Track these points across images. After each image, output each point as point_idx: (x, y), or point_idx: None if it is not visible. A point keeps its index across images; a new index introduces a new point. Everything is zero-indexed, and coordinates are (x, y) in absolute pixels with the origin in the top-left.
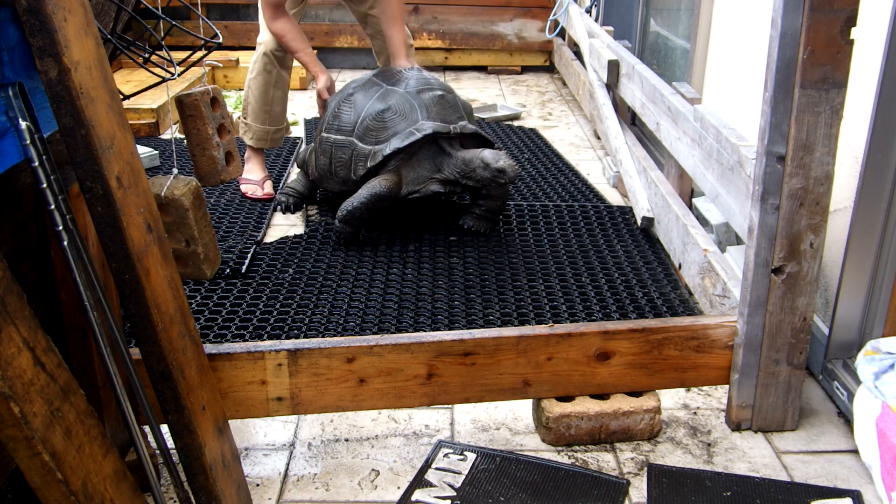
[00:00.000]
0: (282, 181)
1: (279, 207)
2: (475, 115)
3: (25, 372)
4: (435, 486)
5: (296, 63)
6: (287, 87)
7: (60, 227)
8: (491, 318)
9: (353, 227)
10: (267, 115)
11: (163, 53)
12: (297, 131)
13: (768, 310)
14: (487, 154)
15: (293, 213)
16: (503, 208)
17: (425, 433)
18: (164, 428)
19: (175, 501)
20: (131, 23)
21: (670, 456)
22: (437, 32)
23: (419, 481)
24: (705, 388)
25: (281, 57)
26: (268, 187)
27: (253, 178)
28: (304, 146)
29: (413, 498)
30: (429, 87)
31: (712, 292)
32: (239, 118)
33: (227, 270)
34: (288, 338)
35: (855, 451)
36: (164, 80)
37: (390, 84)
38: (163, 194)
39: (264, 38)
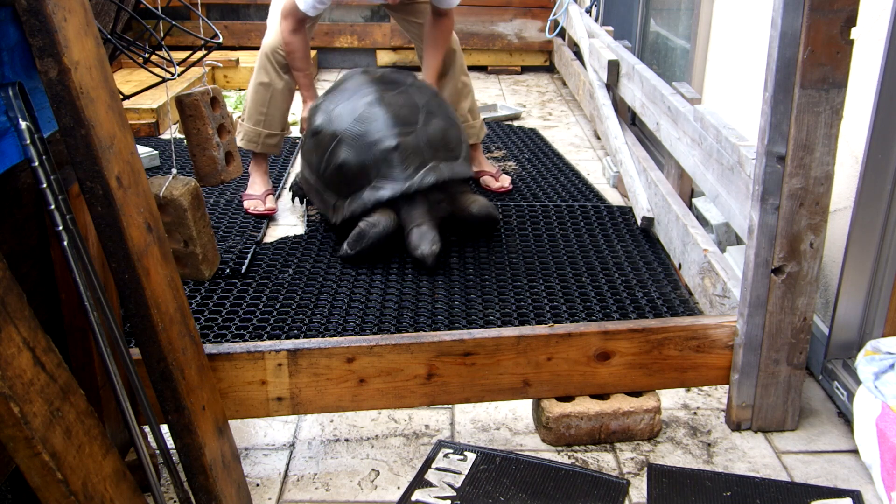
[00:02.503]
0: (281, 181)
1: (291, 196)
2: None
3: (25, 372)
4: (435, 486)
5: None
6: (290, 93)
7: (60, 227)
8: (491, 318)
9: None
10: (262, 117)
11: (163, 53)
12: (296, 130)
13: (768, 310)
14: (413, 236)
15: (304, 198)
16: (495, 223)
17: (425, 433)
18: (164, 428)
19: (175, 501)
20: (131, 23)
21: (670, 456)
22: None
23: (419, 481)
24: (705, 388)
25: (282, 61)
26: (270, 202)
27: (255, 194)
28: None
29: (413, 498)
30: (399, 128)
31: (712, 292)
32: (238, 118)
33: (227, 270)
34: (288, 338)
35: (855, 451)
36: (164, 80)
37: (361, 128)
38: (161, 194)
39: (269, 41)
